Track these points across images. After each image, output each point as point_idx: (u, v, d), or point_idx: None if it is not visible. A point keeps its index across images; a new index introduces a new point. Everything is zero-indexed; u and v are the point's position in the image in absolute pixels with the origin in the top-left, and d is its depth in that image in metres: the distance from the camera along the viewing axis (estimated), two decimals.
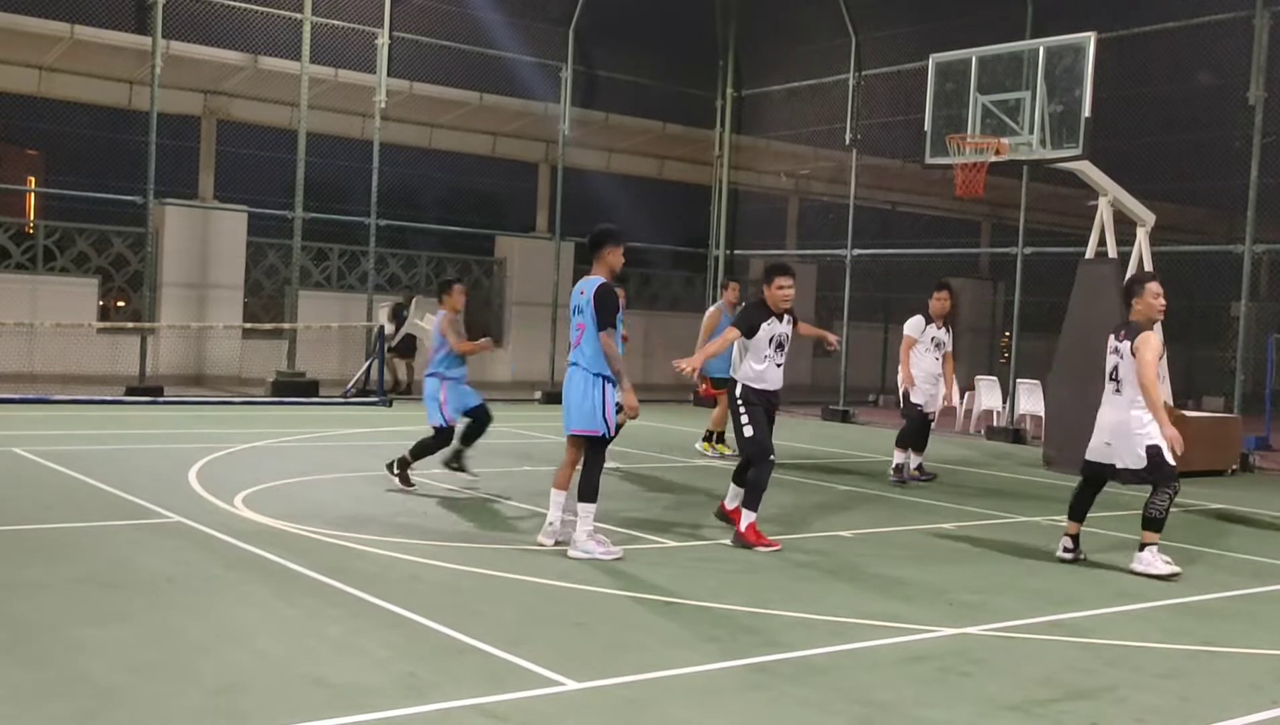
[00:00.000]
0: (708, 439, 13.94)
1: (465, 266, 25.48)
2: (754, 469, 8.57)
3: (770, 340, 8.60)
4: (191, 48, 19.85)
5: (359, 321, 21.03)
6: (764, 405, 8.64)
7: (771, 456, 8.58)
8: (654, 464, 13.15)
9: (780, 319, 8.69)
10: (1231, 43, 16.75)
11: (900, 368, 12.37)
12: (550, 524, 8.15)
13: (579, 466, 8.06)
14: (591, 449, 8.00)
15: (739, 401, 8.64)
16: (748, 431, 8.57)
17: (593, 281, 7.99)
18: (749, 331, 8.61)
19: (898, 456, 12.36)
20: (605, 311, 7.85)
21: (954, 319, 12.93)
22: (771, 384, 8.67)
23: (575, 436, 8.03)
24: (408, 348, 21.13)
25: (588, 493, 7.88)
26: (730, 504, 8.93)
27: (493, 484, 10.86)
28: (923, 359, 12.36)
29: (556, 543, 8.06)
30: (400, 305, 21.23)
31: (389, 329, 20.69)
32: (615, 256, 8.08)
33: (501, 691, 4.97)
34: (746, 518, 8.45)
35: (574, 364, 8.02)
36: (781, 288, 8.64)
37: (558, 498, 8.17)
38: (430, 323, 20.51)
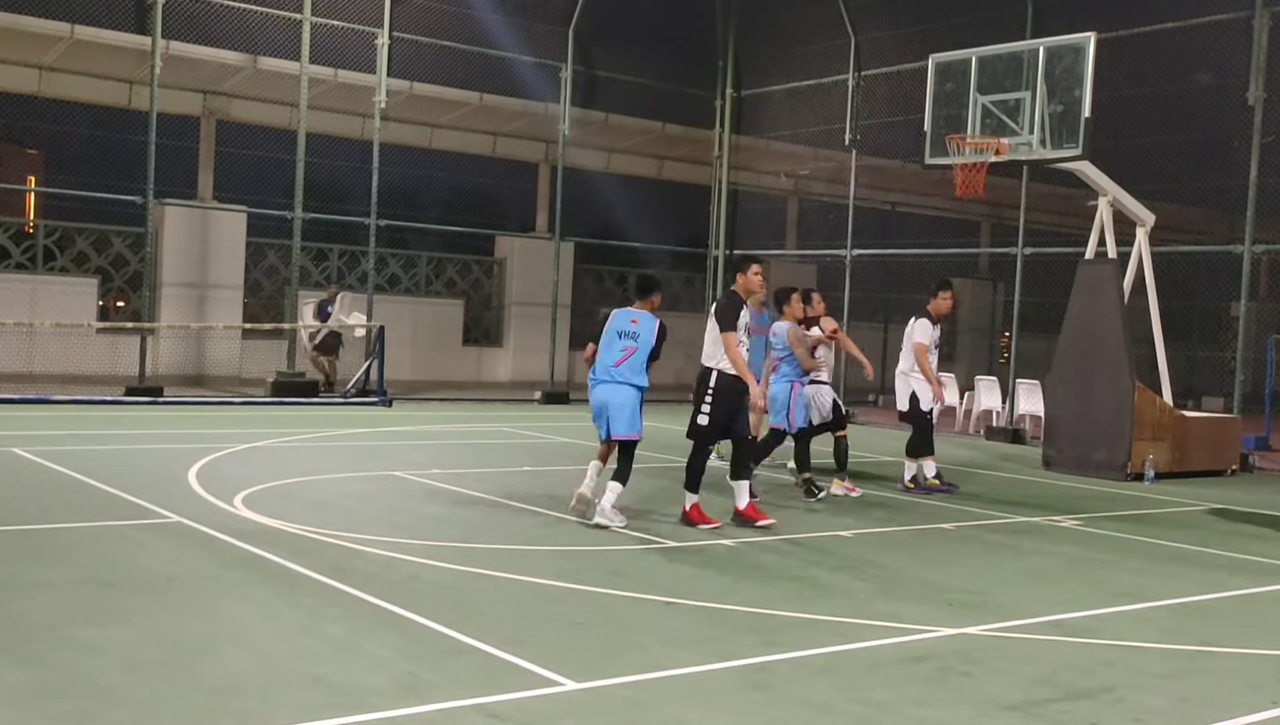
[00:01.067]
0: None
1: (465, 266, 25.49)
2: (695, 455, 9.20)
3: (744, 328, 9.19)
4: (191, 48, 19.85)
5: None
6: (738, 394, 9.10)
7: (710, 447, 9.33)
8: (654, 464, 13.15)
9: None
10: (1231, 43, 16.76)
11: (926, 380, 11.66)
12: (589, 483, 9.15)
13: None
14: (629, 449, 9.12)
15: (710, 389, 9.10)
16: (703, 419, 9.14)
17: (648, 317, 9.15)
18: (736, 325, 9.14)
19: (912, 467, 11.84)
20: (660, 342, 9.06)
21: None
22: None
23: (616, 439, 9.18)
24: (332, 345, 20.57)
25: (623, 478, 9.03)
26: (741, 504, 9.34)
27: (493, 484, 10.87)
28: (931, 363, 11.82)
29: (584, 506, 9.05)
30: (325, 301, 20.60)
31: (314, 326, 20.22)
32: (658, 298, 9.38)
33: (501, 691, 4.97)
34: (689, 499, 9.20)
35: (619, 381, 9.03)
36: (758, 274, 9.52)
37: (596, 467, 9.27)
38: (357, 321, 20.28)
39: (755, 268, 9.50)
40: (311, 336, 20.46)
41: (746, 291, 9.48)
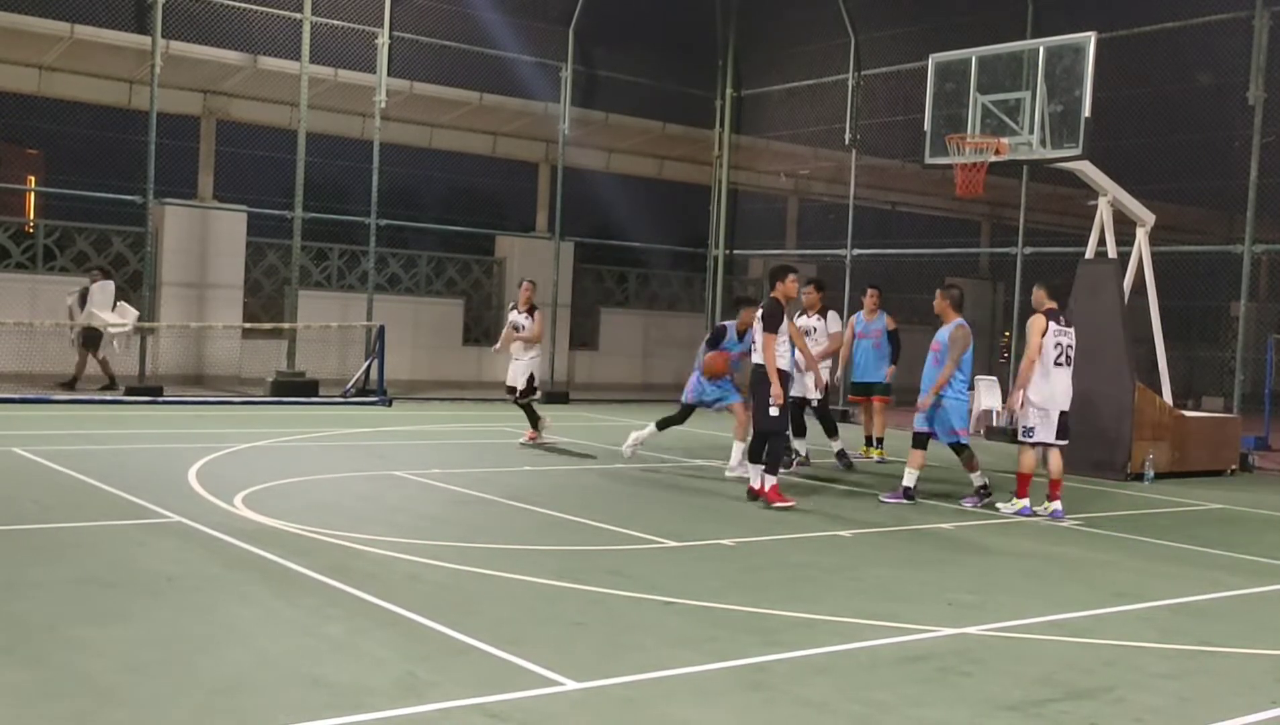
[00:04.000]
0: (867, 444, 14.78)
1: (465, 266, 25.49)
2: (773, 442, 10.38)
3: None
4: (191, 47, 19.84)
5: (359, 321, 21.03)
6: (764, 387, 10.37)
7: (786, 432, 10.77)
8: (654, 464, 13.15)
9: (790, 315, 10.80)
10: (1231, 43, 16.76)
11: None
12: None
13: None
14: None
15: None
16: (774, 411, 10.33)
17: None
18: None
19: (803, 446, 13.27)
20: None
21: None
22: (789, 367, 10.56)
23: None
24: (92, 339, 18.40)
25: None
26: (755, 482, 10.51)
27: (493, 484, 10.87)
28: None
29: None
30: (86, 290, 18.38)
31: (78, 315, 18.24)
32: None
33: (501, 691, 4.98)
34: (769, 480, 10.28)
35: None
36: (797, 282, 10.94)
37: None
38: (116, 318, 18.32)
39: (794, 277, 10.84)
40: (72, 328, 18.46)
41: (786, 300, 10.59)
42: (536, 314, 14.45)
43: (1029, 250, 19.38)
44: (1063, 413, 10.69)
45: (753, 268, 27.66)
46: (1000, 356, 28.31)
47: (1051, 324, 10.67)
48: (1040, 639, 6.31)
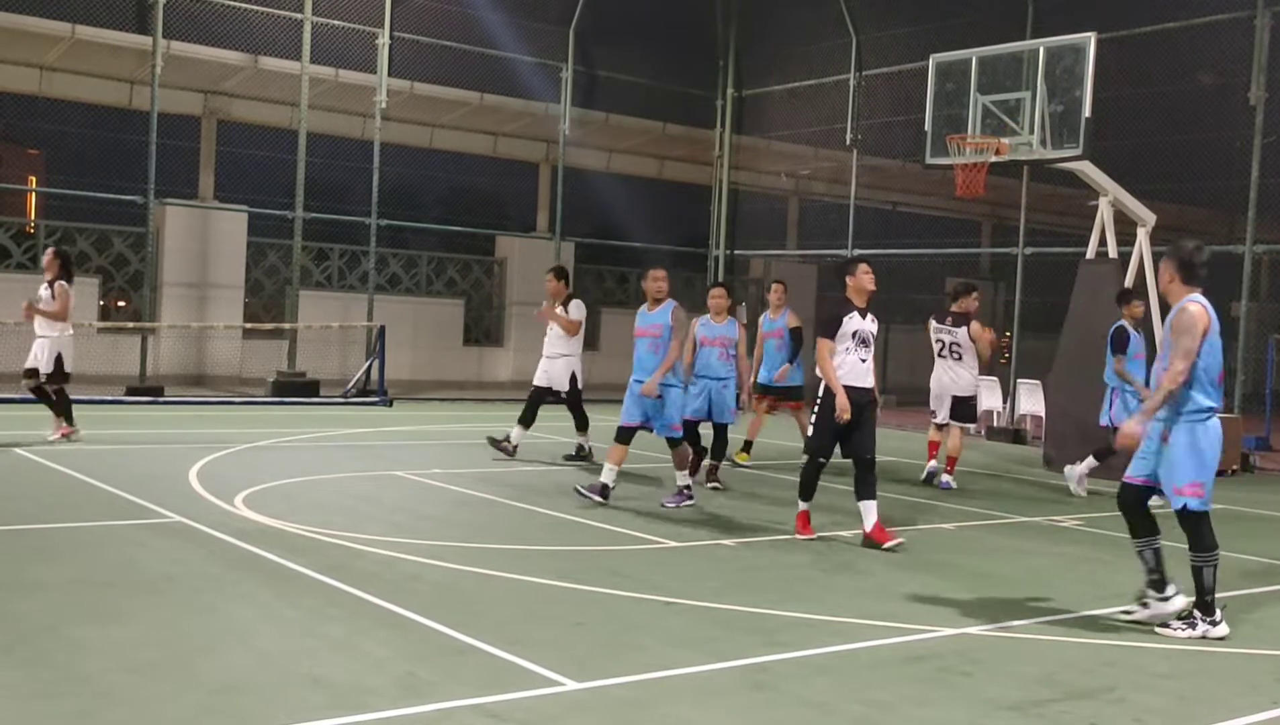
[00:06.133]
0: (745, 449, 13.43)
1: (465, 266, 25.49)
2: (809, 466, 8.83)
3: (854, 334, 8.64)
4: (192, 48, 19.86)
5: (359, 321, 21.03)
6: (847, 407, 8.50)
7: (820, 459, 8.75)
8: (653, 465, 13.15)
9: (863, 315, 8.72)
10: (1232, 43, 16.76)
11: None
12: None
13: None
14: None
15: (818, 400, 8.72)
16: (809, 430, 8.94)
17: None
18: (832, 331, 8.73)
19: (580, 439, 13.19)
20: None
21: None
22: (857, 380, 8.63)
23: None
24: None
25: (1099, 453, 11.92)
26: (868, 526, 8.66)
27: (493, 484, 10.86)
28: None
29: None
30: None
31: None
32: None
33: (501, 691, 4.97)
34: (800, 507, 8.89)
35: None
36: (868, 273, 8.78)
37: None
38: None
39: (864, 267, 8.87)
40: None
41: (857, 292, 8.79)
42: (58, 286, 12.56)
43: (1030, 250, 19.39)
44: (956, 397, 12.16)
45: (753, 268, 27.66)
46: (1000, 357, 28.27)
47: (932, 322, 12.39)
48: (1040, 639, 6.31)
